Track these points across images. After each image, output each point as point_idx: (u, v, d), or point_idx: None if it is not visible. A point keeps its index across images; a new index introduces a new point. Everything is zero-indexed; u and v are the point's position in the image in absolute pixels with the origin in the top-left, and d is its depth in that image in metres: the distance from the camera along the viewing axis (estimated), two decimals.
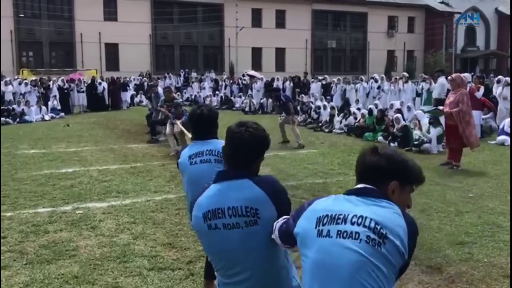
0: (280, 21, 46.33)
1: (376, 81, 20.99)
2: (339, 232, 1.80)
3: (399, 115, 13.04)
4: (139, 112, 23.98)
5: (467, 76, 15.58)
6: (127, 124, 17.71)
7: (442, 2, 51.10)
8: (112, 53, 40.90)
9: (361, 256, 1.74)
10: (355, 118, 15.00)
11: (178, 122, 10.76)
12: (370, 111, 14.57)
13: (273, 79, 26.05)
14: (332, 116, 16.21)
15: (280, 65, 46.04)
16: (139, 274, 4.45)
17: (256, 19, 45.41)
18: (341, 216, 1.82)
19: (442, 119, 10.80)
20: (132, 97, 28.26)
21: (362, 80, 21.60)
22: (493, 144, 12.29)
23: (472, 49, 52.92)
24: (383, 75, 22.95)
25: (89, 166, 9.49)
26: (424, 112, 12.28)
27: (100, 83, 24.87)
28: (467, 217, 6.09)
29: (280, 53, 46.75)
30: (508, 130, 12.52)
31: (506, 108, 13.86)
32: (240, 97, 25.89)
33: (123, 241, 5.32)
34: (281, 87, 24.84)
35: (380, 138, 13.07)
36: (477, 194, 7.22)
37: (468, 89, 13.40)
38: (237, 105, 25.30)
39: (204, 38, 45.01)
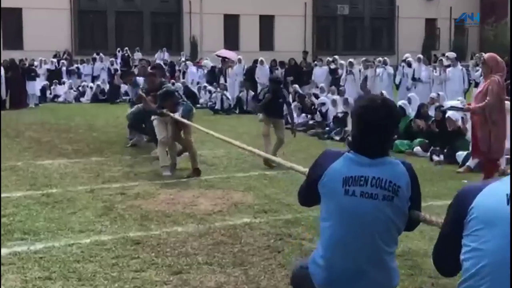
0: None
1: (409, 65, 21.18)
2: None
3: (453, 113, 13.16)
4: (54, 111, 23.83)
5: None
6: (37, 130, 17.56)
7: None
8: (12, 23, 40.59)
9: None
10: None
11: (176, 115, 10.79)
12: (402, 110, 14.69)
13: (255, 63, 26.10)
14: (345, 117, 16.32)
15: (266, 42, 46.23)
16: None
17: None
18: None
19: None
20: (43, 90, 28.04)
21: (386, 64, 21.78)
22: None
23: None
24: (420, 56, 23.16)
25: None
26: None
27: None
28: None
29: (266, 23, 46.91)
30: None
31: None
32: (207, 90, 25.89)
33: None
34: (267, 73, 24.85)
35: (417, 148, 13.28)
36: None
37: None
38: (202, 101, 25.30)
39: (152, 1, 44.89)
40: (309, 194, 3.71)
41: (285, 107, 13.20)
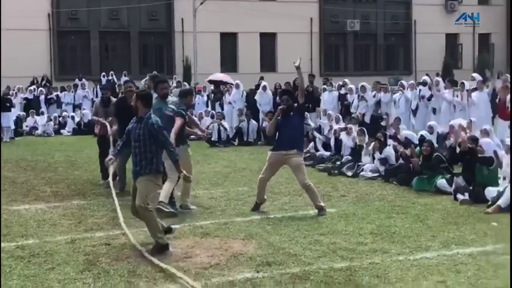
0: None
1: (426, 85, 21.21)
2: None
3: (486, 139, 13.08)
4: (31, 146, 23.81)
5: None
6: (11, 169, 17.58)
7: None
8: None
9: None
10: (398, 152, 14.99)
11: None
12: (422, 140, 14.62)
13: (257, 87, 26.20)
14: (358, 149, 16.27)
15: (268, 63, 46.37)
16: None
17: None
18: None
19: None
20: (19, 121, 28.08)
21: (404, 88, 21.75)
22: None
23: None
24: (438, 78, 22.73)
25: None
26: None
27: None
28: None
29: (268, 42, 47.03)
30: None
31: None
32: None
33: None
34: (270, 98, 24.77)
35: (440, 181, 13.14)
36: None
37: None
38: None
39: (140, 19, 45.20)
40: None
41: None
